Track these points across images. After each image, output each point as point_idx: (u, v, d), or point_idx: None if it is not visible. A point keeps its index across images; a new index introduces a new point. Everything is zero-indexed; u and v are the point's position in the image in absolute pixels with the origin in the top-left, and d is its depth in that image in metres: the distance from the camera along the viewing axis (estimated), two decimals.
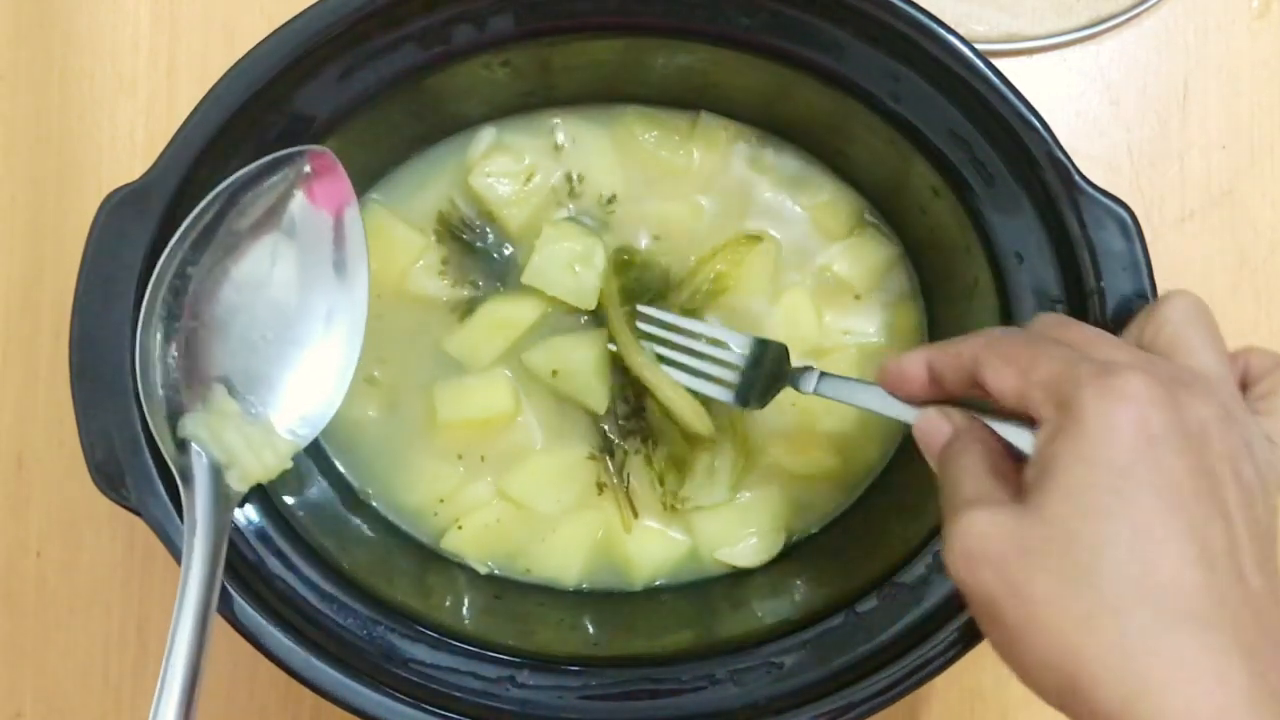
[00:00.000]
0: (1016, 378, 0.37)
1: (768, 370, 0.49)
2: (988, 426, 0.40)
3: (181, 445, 0.45)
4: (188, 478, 0.44)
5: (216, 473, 0.45)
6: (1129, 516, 0.33)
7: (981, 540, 0.35)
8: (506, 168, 0.53)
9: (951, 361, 0.40)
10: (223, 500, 0.44)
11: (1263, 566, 0.34)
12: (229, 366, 0.46)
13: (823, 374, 0.47)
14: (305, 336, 0.48)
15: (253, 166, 0.46)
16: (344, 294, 0.48)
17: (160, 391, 0.45)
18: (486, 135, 0.54)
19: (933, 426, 0.41)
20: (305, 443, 0.48)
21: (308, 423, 0.48)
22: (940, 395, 0.42)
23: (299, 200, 0.47)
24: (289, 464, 0.47)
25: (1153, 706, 0.32)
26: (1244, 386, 0.40)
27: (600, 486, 0.54)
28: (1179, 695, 0.32)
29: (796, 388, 0.47)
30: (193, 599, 0.42)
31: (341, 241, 0.48)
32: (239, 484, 0.45)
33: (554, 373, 0.53)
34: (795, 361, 0.49)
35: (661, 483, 0.54)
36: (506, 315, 0.53)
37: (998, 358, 0.39)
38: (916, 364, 0.42)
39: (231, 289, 0.46)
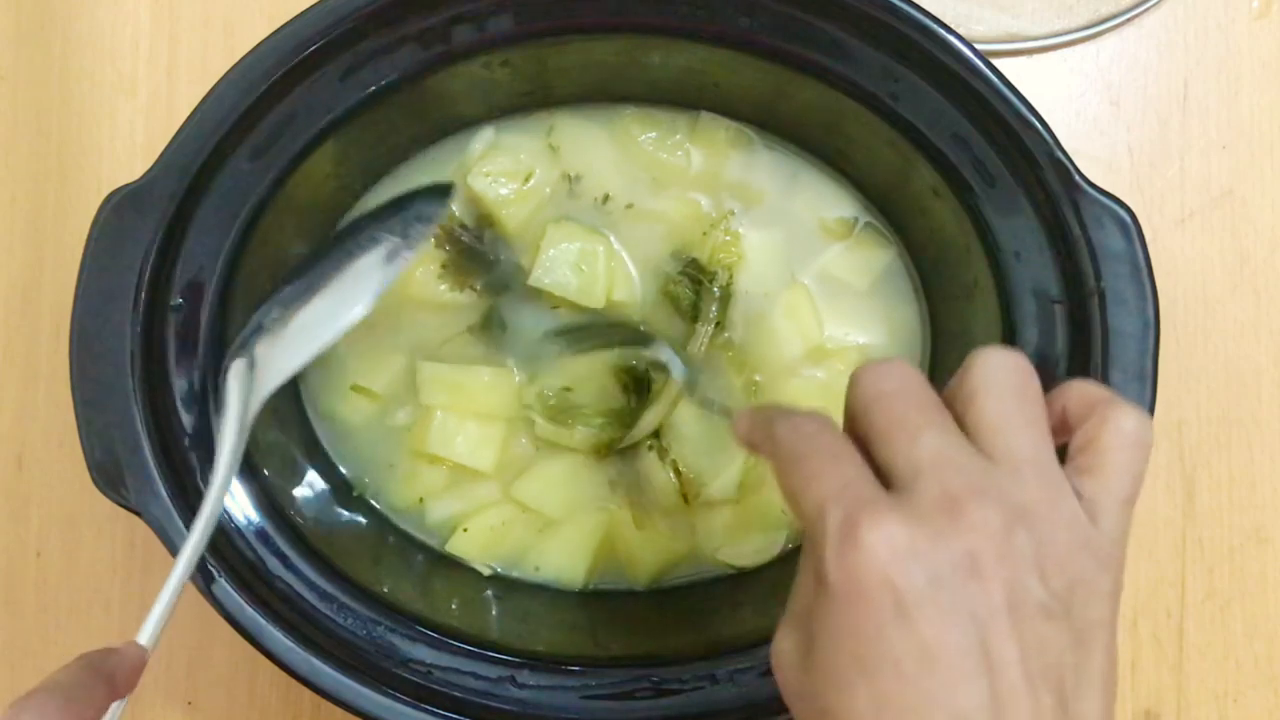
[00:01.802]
0: (789, 498, 0.35)
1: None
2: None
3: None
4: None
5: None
6: (871, 689, 0.32)
7: (780, 659, 0.35)
8: (505, 167, 0.53)
9: (744, 435, 0.38)
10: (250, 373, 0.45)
11: (1043, 698, 0.32)
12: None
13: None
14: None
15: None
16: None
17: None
18: (485, 135, 0.54)
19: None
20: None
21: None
22: None
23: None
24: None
25: None
26: (1066, 432, 0.36)
27: (612, 485, 0.54)
28: None
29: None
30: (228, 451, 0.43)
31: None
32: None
33: (567, 389, 0.53)
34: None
35: (677, 473, 0.54)
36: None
37: (775, 463, 0.36)
38: (742, 426, 0.39)
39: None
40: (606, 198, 0.54)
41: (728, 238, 0.54)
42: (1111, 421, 0.35)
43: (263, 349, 0.46)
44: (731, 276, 0.54)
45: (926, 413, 0.35)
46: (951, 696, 0.31)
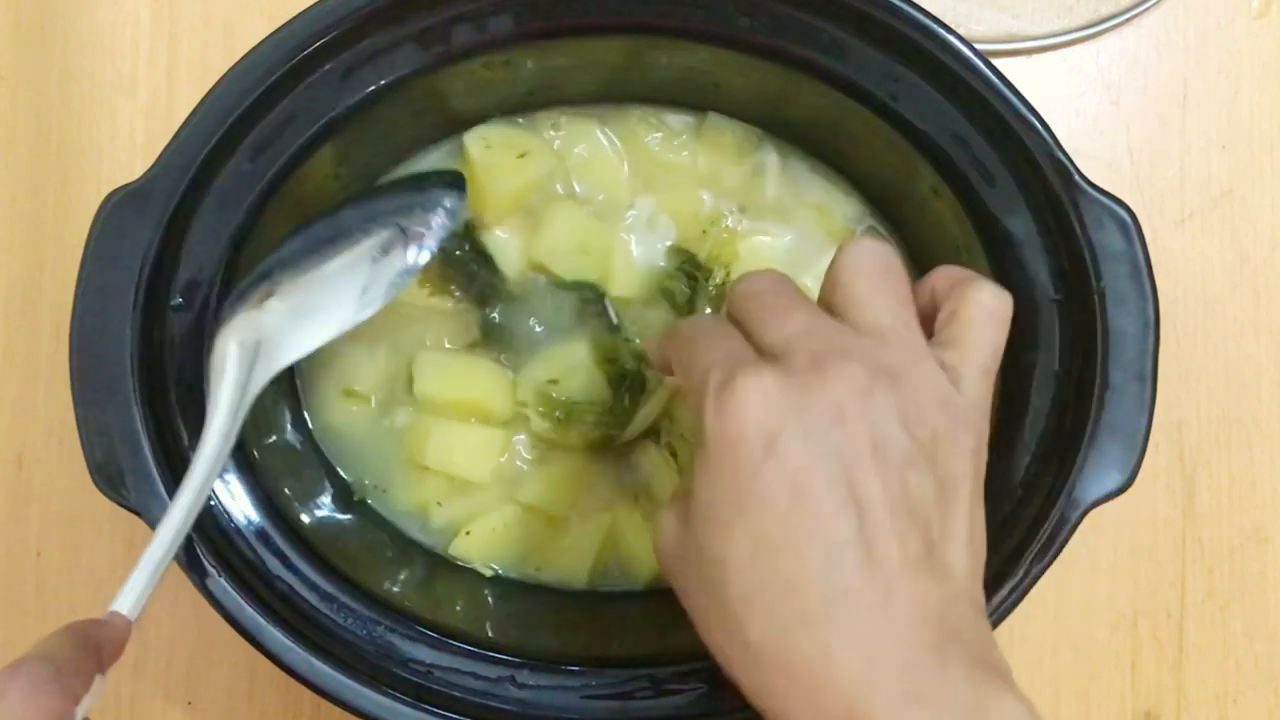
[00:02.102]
0: (683, 380, 0.38)
1: None
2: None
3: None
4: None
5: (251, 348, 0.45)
6: (748, 529, 0.34)
7: (663, 539, 0.39)
8: (505, 136, 0.53)
9: (656, 355, 0.42)
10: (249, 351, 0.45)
11: (909, 538, 0.34)
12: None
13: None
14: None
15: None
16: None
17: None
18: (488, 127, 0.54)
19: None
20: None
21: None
22: None
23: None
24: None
25: (778, 710, 0.34)
26: (935, 312, 0.39)
27: (614, 484, 0.54)
28: (793, 700, 0.34)
29: None
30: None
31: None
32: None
33: (553, 380, 0.53)
34: None
35: (674, 455, 0.54)
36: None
37: (672, 353, 0.40)
38: (652, 348, 0.43)
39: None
40: (608, 196, 0.54)
41: (726, 236, 0.54)
42: (969, 296, 0.38)
43: (271, 320, 0.45)
44: (728, 274, 0.54)
45: (796, 299, 0.38)
46: (822, 529, 0.34)
